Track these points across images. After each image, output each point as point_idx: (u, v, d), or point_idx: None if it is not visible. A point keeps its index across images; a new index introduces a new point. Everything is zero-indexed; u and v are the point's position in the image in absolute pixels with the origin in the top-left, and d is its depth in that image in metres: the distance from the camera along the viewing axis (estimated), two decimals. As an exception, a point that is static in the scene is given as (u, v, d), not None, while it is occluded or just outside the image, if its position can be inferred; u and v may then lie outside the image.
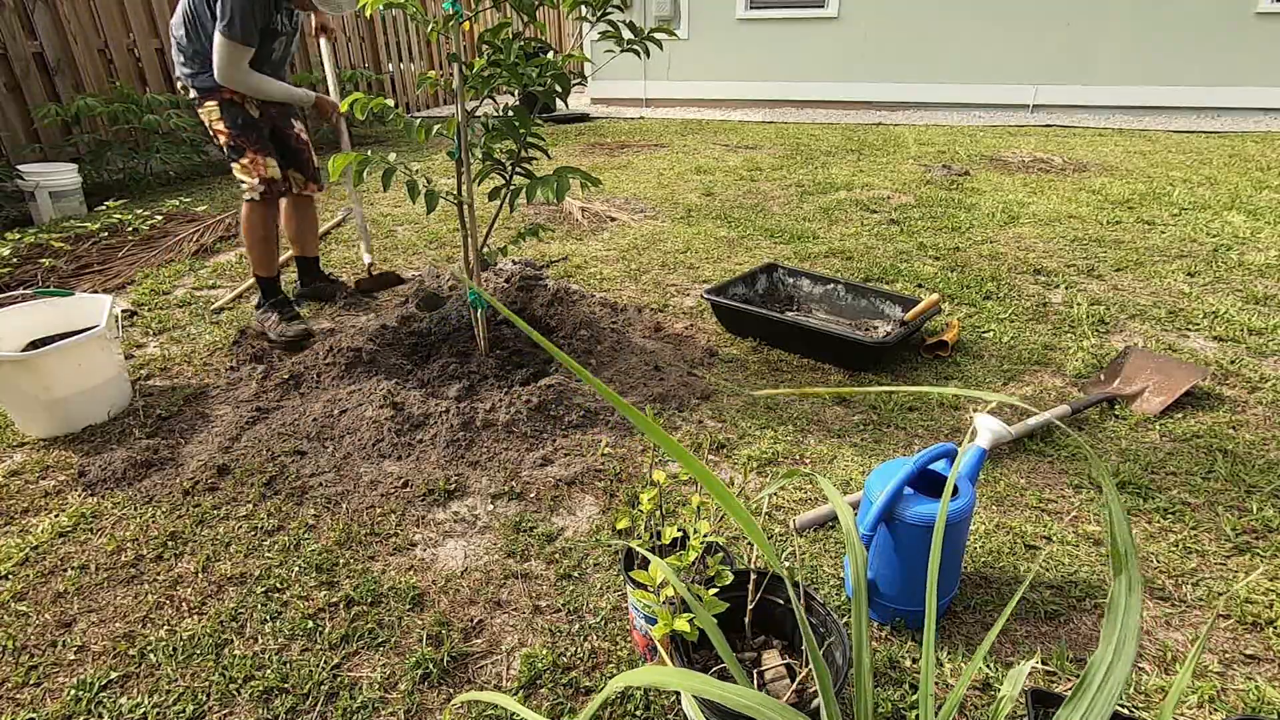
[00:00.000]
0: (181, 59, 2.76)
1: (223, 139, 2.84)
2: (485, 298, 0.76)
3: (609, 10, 2.18)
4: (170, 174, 5.63)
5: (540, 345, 2.84)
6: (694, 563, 1.33)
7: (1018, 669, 1.00)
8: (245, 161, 2.84)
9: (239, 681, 1.48)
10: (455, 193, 2.46)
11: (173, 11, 3.07)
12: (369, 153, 2.25)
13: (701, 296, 3.07)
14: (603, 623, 1.61)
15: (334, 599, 1.68)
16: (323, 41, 3.26)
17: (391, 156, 2.29)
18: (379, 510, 1.98)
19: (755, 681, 1.28)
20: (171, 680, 1.49)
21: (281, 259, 3.73)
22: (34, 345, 2.49)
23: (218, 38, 2.60)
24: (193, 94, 2.81)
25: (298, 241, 3.35)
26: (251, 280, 3.39)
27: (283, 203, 3.20)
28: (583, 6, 2.18)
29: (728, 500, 0.79)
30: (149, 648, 1.56)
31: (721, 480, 1.92)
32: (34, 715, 1.43)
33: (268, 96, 2.82)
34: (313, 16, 3.15)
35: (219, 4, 2.58)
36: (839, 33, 8.51)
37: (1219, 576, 1.70)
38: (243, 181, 2.90)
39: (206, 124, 2.86)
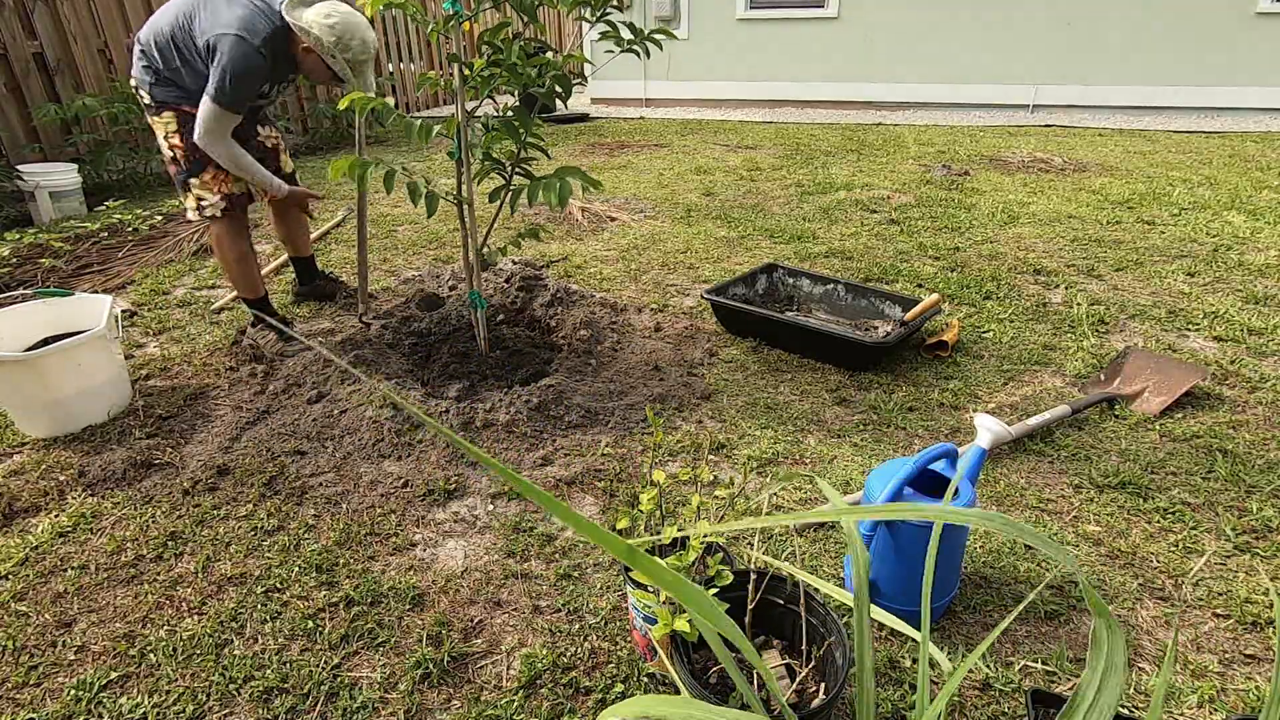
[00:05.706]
0: (144, 63, 2.57)
1: (179, 153, 2.66)
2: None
3: (608, 11, 2.18)
4: (170, 174, 5.62)
5: (539, 346, 2.85)
6: (694, 562, 1.33)
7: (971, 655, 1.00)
8: (206, 178, 2.69)
9: (239, 681, 1.48)
10: (455, 193, 2.46)
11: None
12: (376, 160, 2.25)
13: (701, 296, 3.07)
14: (603, 623, 1.61)
15: (334, 599, 1.68)
16: None
17: (391, 158, 2.29)
18: (379, 510, 1.98)
19: (755, 682, 1.28)
20: (171, 680, 1.49)
21: (273, 266, 3.74)
22: (34, 345, 2.49)
23: (206, 102, 2.47)
24: (146, 99, 2.61)
25: (289, 242, 3.27)
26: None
27: (270, 209, 3.12)
28: (582, 7, 2.18)
29: None
30: (149, 648, 1.56)
31: (724, 479, 1.91)
32: (34, 715, 1.43)
33: (239, 172, 2.67)
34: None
35: (214, 67, 2.44)
36: (839, 33, 8.51)
37: (1219, 576, 1.70)
38: (202, 199, 2.72)
39: (160, 136, 2.67)
